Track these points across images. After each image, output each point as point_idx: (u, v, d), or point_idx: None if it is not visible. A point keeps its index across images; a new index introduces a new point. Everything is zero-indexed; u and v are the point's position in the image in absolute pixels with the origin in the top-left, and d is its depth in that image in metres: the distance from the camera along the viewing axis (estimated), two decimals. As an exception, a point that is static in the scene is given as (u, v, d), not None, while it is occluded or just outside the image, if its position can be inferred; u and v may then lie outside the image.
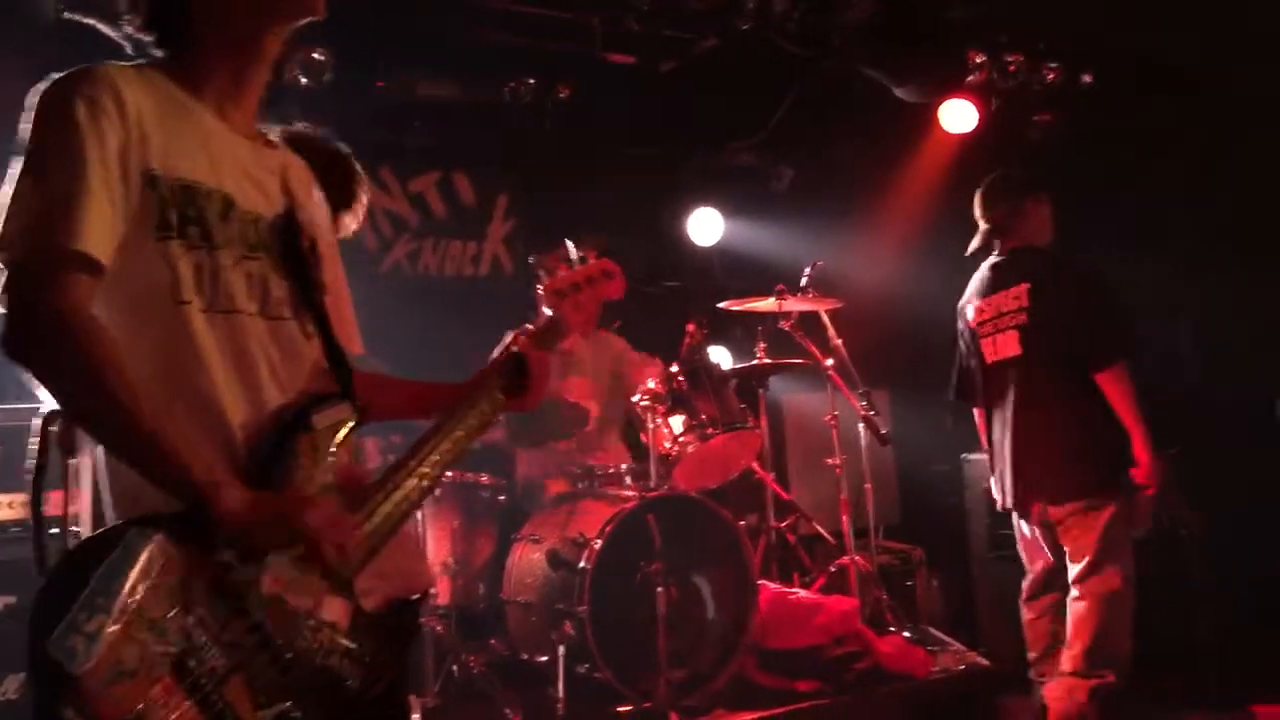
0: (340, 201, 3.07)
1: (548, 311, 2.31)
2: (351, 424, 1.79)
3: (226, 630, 1.55)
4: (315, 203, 2.01)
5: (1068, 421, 4.30)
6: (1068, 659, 4.23)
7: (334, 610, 1.70)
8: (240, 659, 1.55)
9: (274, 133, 2.00)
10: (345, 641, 1.70)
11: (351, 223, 3.12)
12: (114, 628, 1.43)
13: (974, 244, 4.73)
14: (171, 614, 1.49)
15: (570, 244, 2.45)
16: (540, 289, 2.33)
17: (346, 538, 1.67)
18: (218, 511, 1.55)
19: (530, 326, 2.27)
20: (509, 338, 2.27)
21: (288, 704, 1.60)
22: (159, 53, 1.83)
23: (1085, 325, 4.25)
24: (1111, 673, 4.15)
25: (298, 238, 1.85)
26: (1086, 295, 4.30)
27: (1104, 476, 4.24)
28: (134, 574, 1.47)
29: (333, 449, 1.75)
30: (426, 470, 1.90)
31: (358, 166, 3.08)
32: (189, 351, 1.66)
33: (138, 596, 1.46)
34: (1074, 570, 4.25)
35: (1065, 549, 4.33)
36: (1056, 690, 4.23)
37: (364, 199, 3.10)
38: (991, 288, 4.59)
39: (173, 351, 1.65)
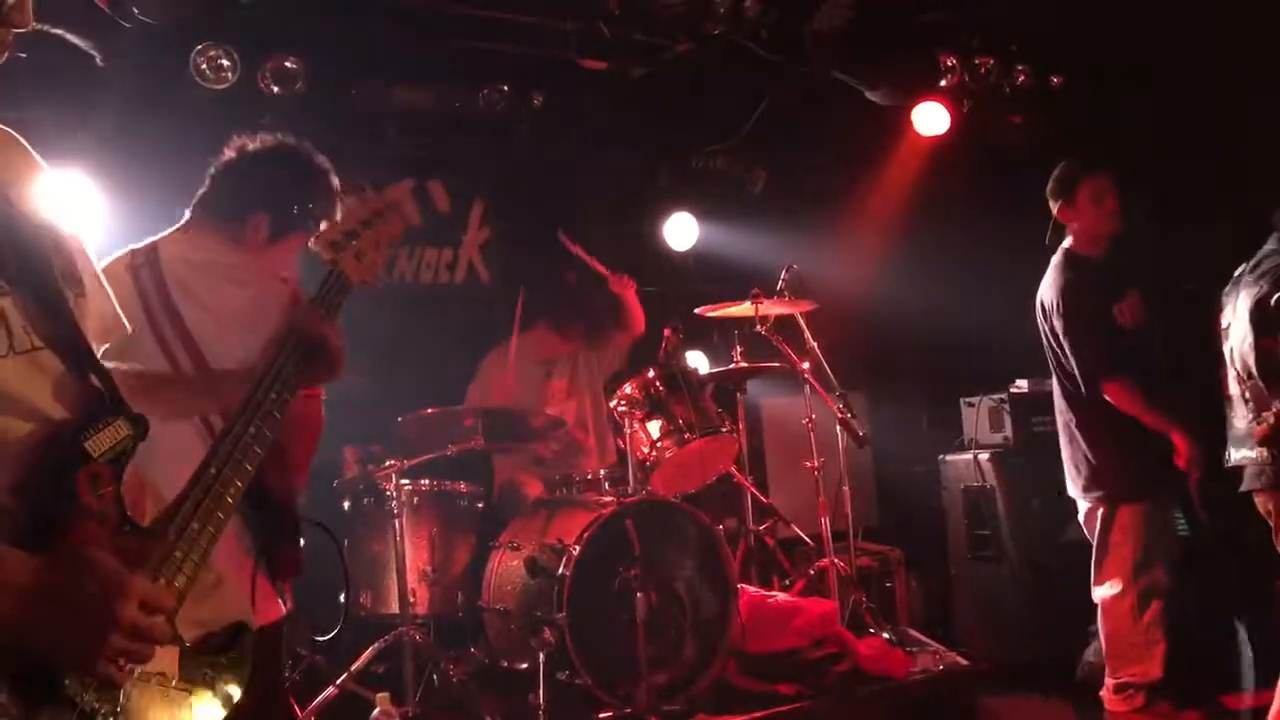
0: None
1: (327, 265, 2.03)
2: (131, 440, 1.56)
3: (35, 715, 1.34)
4: (29, 174, 1.69)
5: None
6: None
7: (159, 659, 1.48)
8: None
9: None
10: (179, 689, 1.52)
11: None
12: None
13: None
14: None
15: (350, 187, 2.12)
16: (312, 242, 2.03)
17: (164, 605, 1.45)
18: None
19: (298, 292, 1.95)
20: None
21: None
22: None
23: (1065, 349, 4.67)
24: None
25: (19, 239, 1.58)
26: (1061, 319, 4.67)
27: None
28: None
29: (117, 474, 1.53)
30: (236, 482, 1.65)
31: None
32: None
33: None
34: None
35: None
36: None
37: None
38: None
39: None
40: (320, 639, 4.46)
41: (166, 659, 1.51)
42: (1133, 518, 4.59)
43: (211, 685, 1.57)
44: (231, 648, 1.66)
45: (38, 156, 1.74)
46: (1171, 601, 4.59)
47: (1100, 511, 4.66)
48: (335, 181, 2.96)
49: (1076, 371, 4.65)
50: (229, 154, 2.97)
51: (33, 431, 1.49)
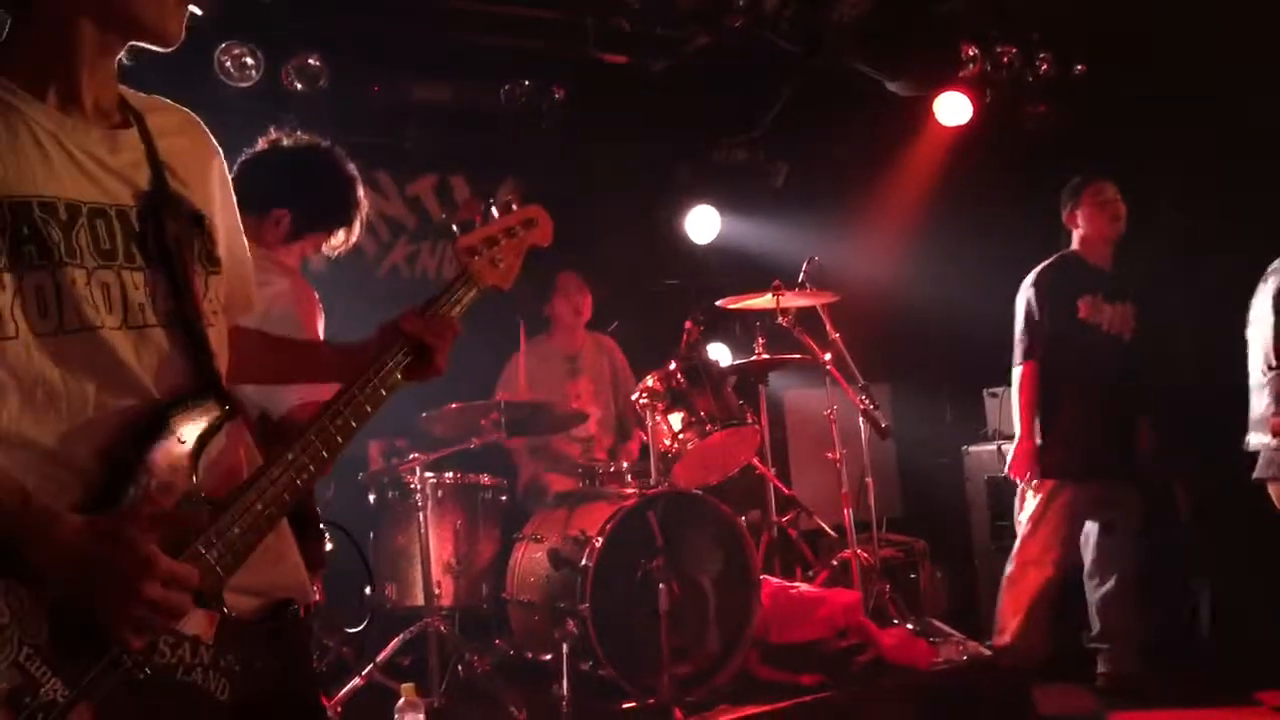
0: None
1: (461, 268, 2.10)
2: (218, 420, 1.67)
3: (70, 658, 1.44)
4: (200, 160, 1.84)
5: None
6: None
7: (196, 623, 1.57)
8: (87, 686, 1.44)
9: (139, 98, 1.79)
10: (210, 654, 1.59)
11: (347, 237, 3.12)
12: None
13: None
14: (1, 651, 1.39)
15: (492, 201, 2.18)
16: (454, 245, 2.11)
17: (190, 582, 1.51)
18: (37, 564, 1.43)
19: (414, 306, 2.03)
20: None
21: None
22: None
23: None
24: None
25: (166, 221, 1.69)
26: (1022, 301, 5.08)
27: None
28: None
29: (197, 449, 1.63)
30: (310, 466, 1.71)
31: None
32: (19, 389, 1.52)
33: None
34: None
35: None
36: None
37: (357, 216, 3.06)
38: None
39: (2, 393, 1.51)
40: (350, 630, 4.51)
41: (203, 623, 1.58)
42: (1037, 491, 4.94)
43: (242, 654, 1.63)
44: (273, 621, 1.72)
45: (213, 142, 1.87)
46: (1055, 584, 4.89)
47: (1019, 489, 5.06)
48: (361, 190, 3.04)
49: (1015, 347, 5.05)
50: (260, 145, 3.02)
51: (132, 405, 1.60)
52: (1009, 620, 4.91)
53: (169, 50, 1.72)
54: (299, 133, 3.07)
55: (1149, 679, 4.87)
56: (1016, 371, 5.02)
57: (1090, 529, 5.04)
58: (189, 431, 1.62)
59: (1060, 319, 4.97)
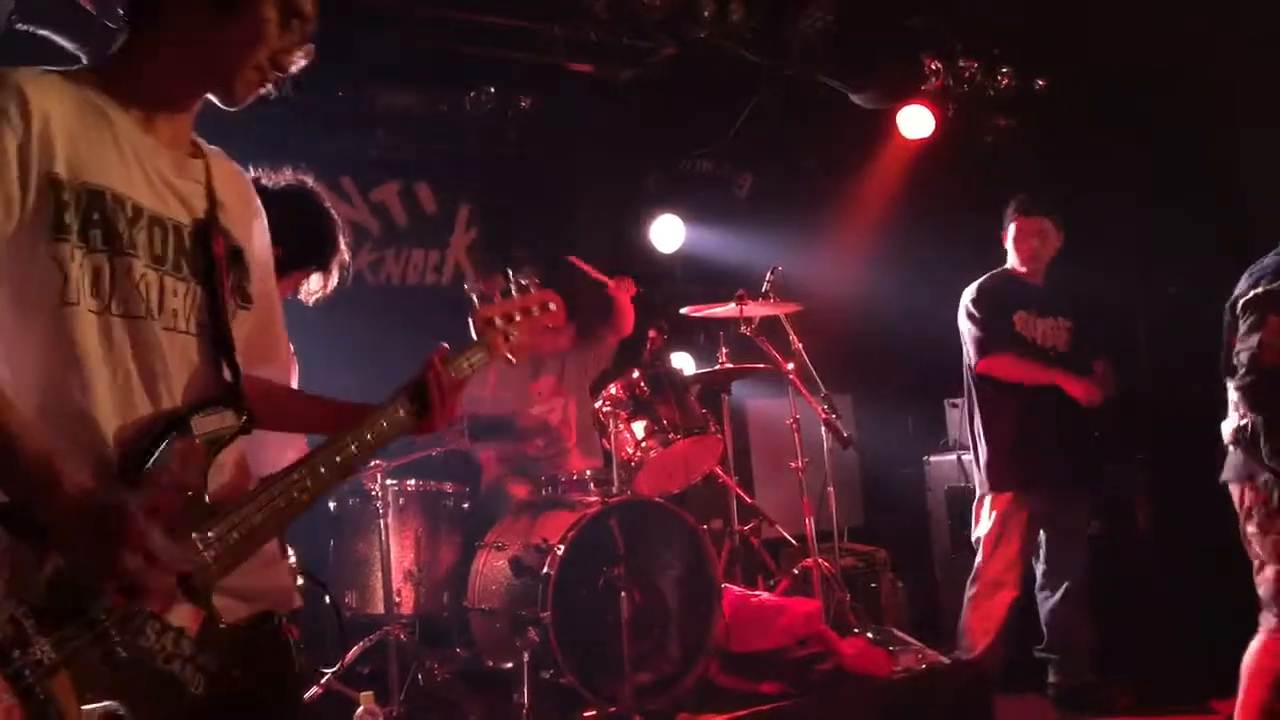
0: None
1: (474, 336, 2.23)
2: (234, 430, 1.79)
3: (60, 623, 1.52)
4: (247, 210, 2.00)
5: None
6: None
7: (183, 616, 1.65)
8: (71, 653, 1.52)
9: (206, 145, 1.98)
10: (191, 648, 1.66)
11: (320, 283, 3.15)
12: None
13: None
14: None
15: (511, 274, 2.33)
16: (471, 315, 2.23)
17: (171, 564, 1.58)
18: (44, 520, 1.53)
19: (445, 345, 2.16)
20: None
21: (115, 702, 1.56)
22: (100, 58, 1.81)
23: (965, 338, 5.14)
24: None
25: (213, 245, 1.85)
26: (965, 315, 5.15)
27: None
28: None
29: (210, 454, 1.74)
30: (308, 484, 1.83)
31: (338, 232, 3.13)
32: (68, 353, 1.64)
33: None
34: None
35: None
36: None
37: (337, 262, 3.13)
38: None
39: (51, 352, 1.63)
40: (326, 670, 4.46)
41: (189, 617, 1.67)
42: (993, 506, 4.97)
43: (222, 659, 1.70)
44: (256, 631, 1.80)
45: (258, 201, 2.06)
46: (1019, 601, 4.92)
47: (975, 504, 5.09)
48: (342, 236, 3.13)
49: (971, 354, 5.06)
50: None
51: (158, 399, 1.72)
52: (978, 638, 4.92)
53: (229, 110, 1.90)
54: (283, 171, 3.11)
55: (1099, 688, 4.92)
56: (986, 365, 5.00)
57: (1041, 538, 5.08)
58: (207, 435, 1.74)
59: (999, 332, 5.03)
